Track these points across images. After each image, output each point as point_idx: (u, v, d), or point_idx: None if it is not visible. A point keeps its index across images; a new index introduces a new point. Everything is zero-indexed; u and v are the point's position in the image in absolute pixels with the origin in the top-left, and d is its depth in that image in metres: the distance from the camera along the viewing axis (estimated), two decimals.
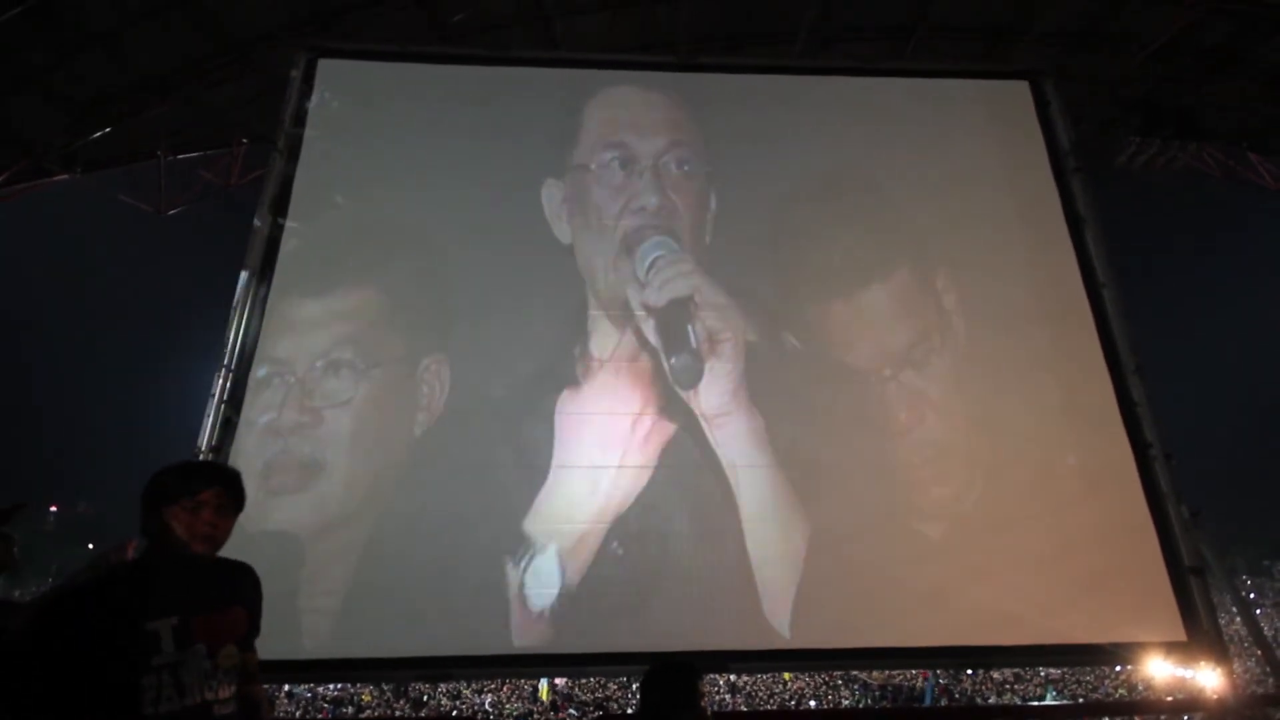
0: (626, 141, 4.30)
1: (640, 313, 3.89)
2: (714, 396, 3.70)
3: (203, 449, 3.45)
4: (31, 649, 1.23)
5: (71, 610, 1.28)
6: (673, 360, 3.77)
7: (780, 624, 3.31)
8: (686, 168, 4.26)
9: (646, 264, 3.95)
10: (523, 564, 3.35)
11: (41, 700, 1.20)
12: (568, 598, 3.31)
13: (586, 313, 3.91)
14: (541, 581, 3.33)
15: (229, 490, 1.46)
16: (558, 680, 12.41)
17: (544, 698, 13.29)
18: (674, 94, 4.53)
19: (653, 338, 3.83)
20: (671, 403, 3.70)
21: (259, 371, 3.67)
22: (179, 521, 1.37)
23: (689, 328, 3.82)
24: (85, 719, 1.22)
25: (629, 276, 3.96)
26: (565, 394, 3.70)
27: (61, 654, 1.22)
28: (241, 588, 1.51)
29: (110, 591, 1.33)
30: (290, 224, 4.01)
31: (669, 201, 4.15)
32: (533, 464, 3.55)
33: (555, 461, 3.56)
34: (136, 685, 1.25)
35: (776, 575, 3.39)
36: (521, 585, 3.32)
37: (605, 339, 3.84)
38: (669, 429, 3.65)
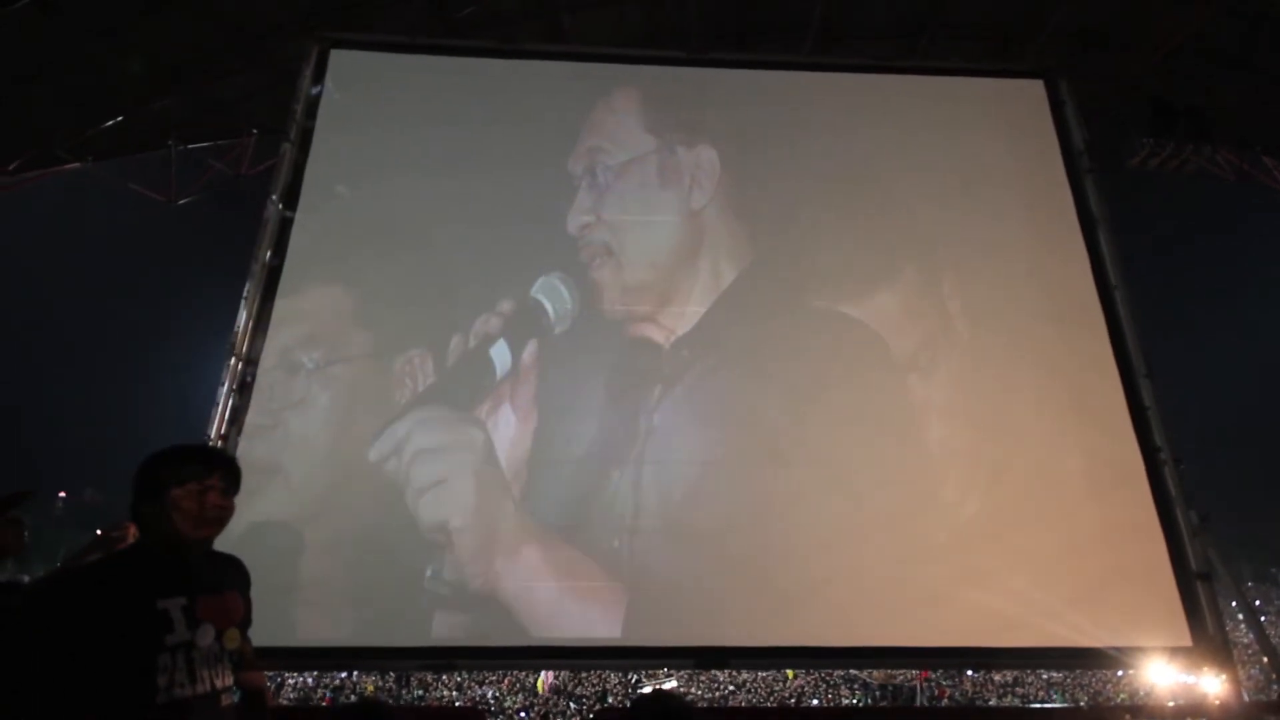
0: (619, 142, 4.29)
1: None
2: (684, 406, 3.70)
3: (212, 438, 3.47)
4: (37, 628, 1.18)
5: (81, 588, 1.26)
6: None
7: (782, 621, 3.31)
8: (682, 166, 4.25)
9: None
10: (519, 560, 3.36)
11: (48, 682, 1.15)
12: (568, 593, 3.32)
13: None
14: (540, 576, 3.33)
15: (231, 473, 1.47)
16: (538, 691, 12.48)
17: (540, 690, 13.36)
18: (681, 91, 4.51)
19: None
20: (664, 402, 3.71)
21: (265, 364, 3.69)
22: (189, 504, 1.36)
23: None
24: (100, 701, 1.19)
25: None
26: (562, 389, 3.71)
27: (71, 633, 1.18)
28: (235, 576, 1.51)
29: (119, 571, 1.32)
30: (299, 215, 4.02)
31: (649, 205, 4.14)
32: (533, 461, 3.55)
33: (555, 459, 3.56)
34: (152, 665, 1.24)
35: (780, 573, 3.39)
36: (519, 580, 3.32)
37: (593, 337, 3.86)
38: (666, 428, 3.65)
